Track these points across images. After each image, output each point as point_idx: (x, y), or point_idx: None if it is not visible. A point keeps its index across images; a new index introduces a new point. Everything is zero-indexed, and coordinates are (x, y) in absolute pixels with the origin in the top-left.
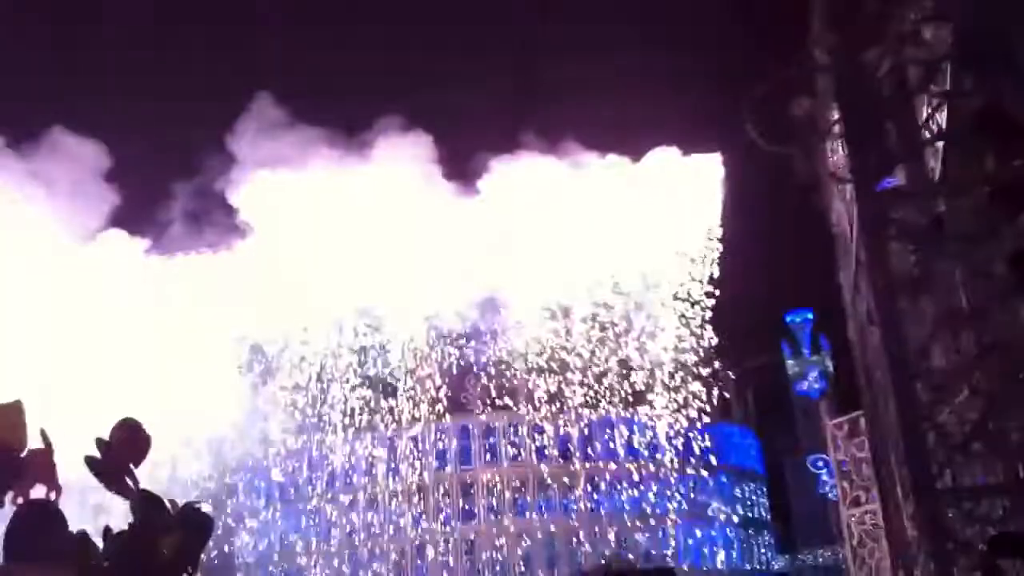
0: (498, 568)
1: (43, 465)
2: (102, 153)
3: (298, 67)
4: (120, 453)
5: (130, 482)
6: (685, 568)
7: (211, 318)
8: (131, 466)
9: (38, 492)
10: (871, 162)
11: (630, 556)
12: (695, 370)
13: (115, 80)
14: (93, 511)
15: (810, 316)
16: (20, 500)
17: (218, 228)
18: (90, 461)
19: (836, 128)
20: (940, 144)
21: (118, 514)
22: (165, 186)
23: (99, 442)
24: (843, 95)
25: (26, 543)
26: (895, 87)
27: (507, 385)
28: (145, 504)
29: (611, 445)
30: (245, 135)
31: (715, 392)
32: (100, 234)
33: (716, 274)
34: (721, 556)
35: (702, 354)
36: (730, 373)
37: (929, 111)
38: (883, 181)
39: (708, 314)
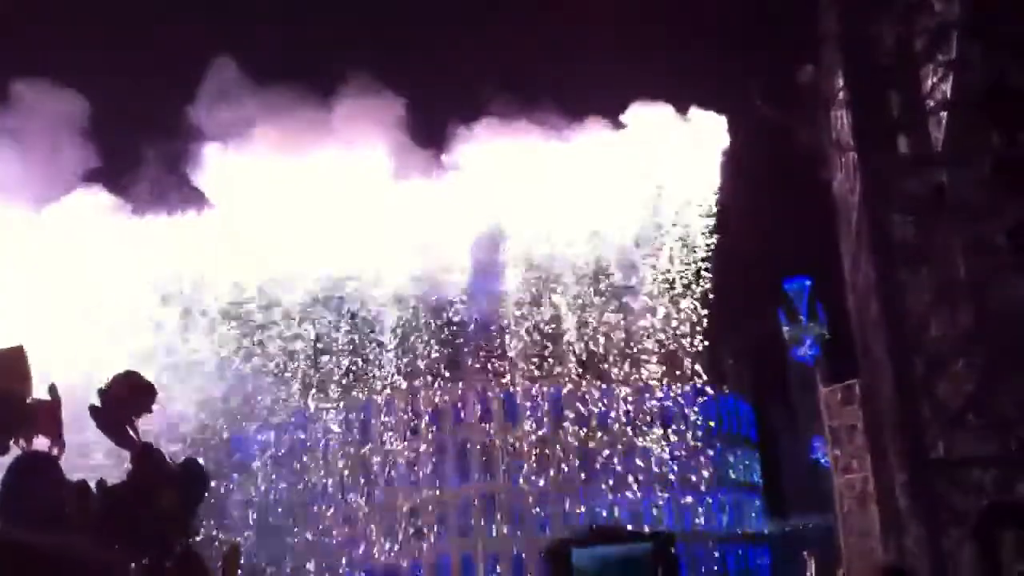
0: (504, 524)
1: (48, 417)
2: (77, 108)
3: (267, 32)
4: (121, 405)
5: (132, 433)
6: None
7: (185, 278)
8: (132, 418)
9: (41, 444)
10: (874, 131)
11: (619, 522)
12: (689, 337)
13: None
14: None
15: (808, 284)
16: (24, 444)
17: (186, 192)
18: (94, 411)
19: (841, 96)
20: (944, 114)
21: (109, 471)
22: (137, 146)
23: (101, 393)
24: (849, 63)
25: (18, 500)
26: (901, 56)
27: (496, 351)
28: (145, 456)
29: (604, 412)
30: (207, 100)
31: (708, 360)
32: (73, 192)
33: (713, 239)
34: (711, 521)
35: (697, 321)
36: (725, 341)
37: (935, 80)
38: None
39: (704, 282)
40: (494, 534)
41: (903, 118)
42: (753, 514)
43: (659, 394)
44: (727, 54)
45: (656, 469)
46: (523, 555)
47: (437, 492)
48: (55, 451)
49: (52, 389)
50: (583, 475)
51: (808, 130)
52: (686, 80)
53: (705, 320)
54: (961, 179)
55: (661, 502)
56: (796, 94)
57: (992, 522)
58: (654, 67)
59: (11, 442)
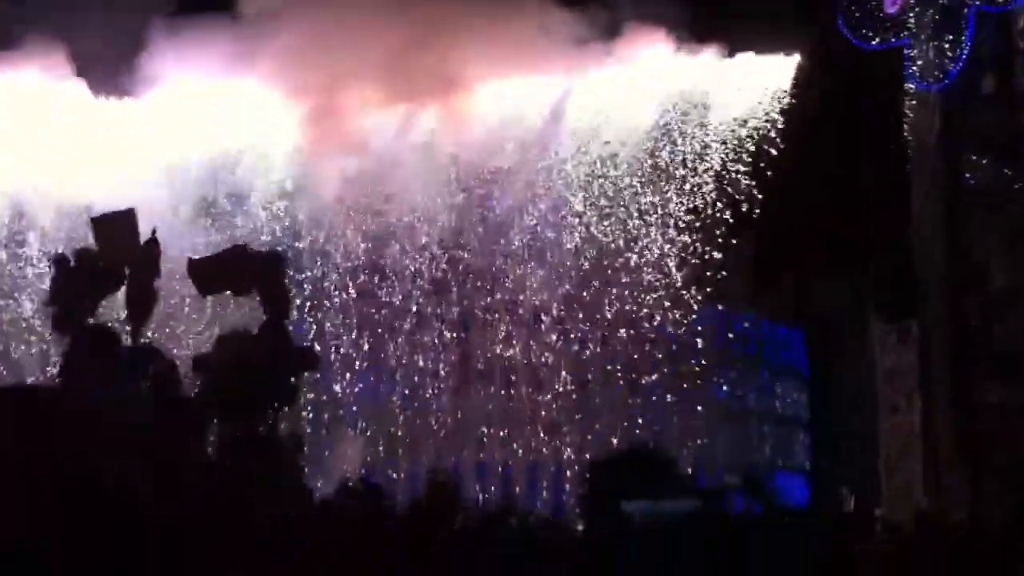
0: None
1: (149, 286)
2: None
3: None
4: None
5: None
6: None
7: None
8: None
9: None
10: (959, 68)
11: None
12: (742, 263)
13: None
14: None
15: None
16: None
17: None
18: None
19: (929, 29)
20: None
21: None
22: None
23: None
24: None
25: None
26: None
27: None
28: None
29: (647, 334)
30: None
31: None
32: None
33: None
34: (753, 453)
35: (749, 250)
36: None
37: None
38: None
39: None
40: (531, 444)
41: (989, 57)
42: (796, 447)
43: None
44: None
45: (701, 397)
46: (564, 469)
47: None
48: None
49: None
50: (627, 398)
51: (892, 62)
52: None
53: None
54: None
55: (704, 431)
56: (884, 25)
57: None
58: None
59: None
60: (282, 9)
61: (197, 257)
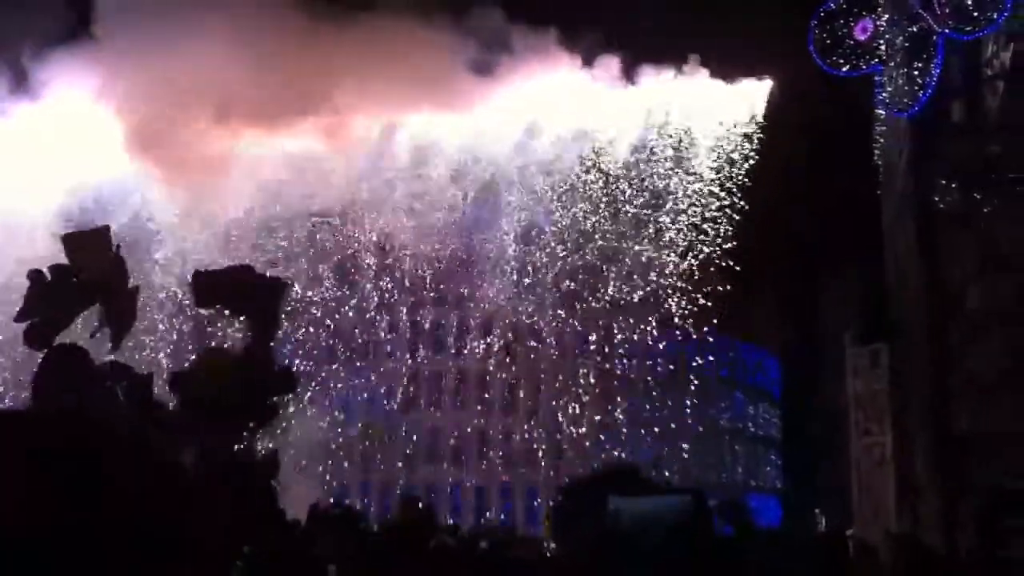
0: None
1: (128, 299)
2: None
3: None
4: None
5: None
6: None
7: None
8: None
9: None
10: (929, 95)
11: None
12: (721, 284)
13: None
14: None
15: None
16: (96, 322)
17: None
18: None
19: (899, 57)
20: (1001, 83)
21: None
22: None
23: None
24: (909, 23)
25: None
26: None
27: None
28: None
29: (625, 350)
30: None
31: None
32: None
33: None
34: (725, 473)
35: (727, 267)
36: (754, 293)
37: (994, 48)
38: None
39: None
40: (506, 467)
41: (958, 85)
42: (768, 468)
43: (680, 340)
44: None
45: (675, 418)
46: (536, 490)
47: (452, 419)
48: (119, 329)
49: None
50: (598, 417)
51: (863, 88)
52: (731, 39)
53: (735, 271)
54: (1014, 148)
55: (678, 450)
56: (854, 51)
57: (997, 507)
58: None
59: (84, 313)
60: (156, 38)
61: (203, 269)
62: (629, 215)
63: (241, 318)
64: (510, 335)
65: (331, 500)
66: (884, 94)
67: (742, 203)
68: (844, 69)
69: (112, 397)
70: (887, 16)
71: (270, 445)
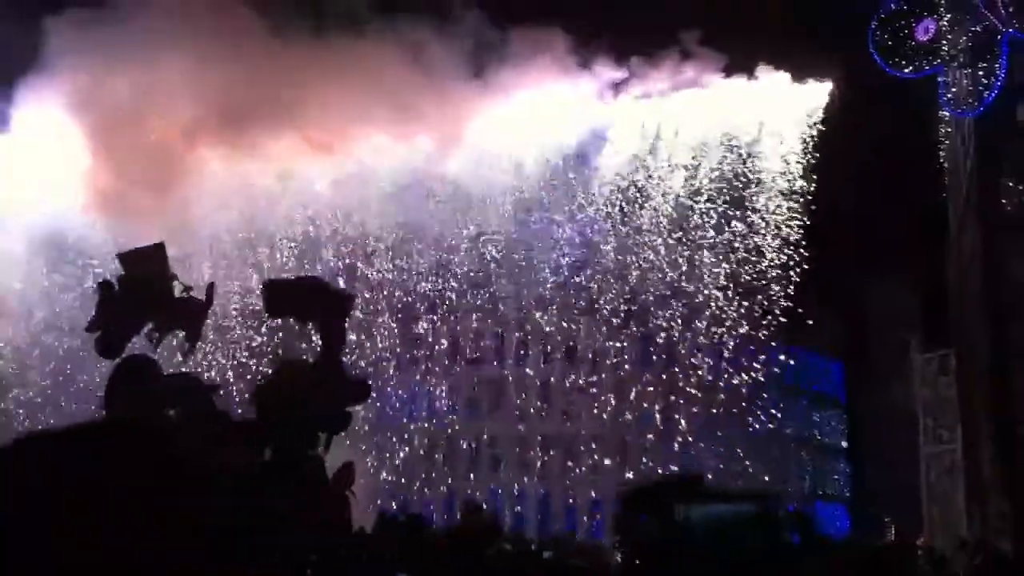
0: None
1: (192, 314)
2: None
3: None
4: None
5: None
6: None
7: None
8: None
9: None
10: (994, 96)
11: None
12: (782, 290)
13: None
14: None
15: None
16: (157, 336)
17: None
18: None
19: (962, 57)
20: None
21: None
22: None
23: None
24: (972, 22)
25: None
26: None
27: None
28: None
29: (685, 360)
30: None
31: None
32: None
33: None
34: (792, 481)
35: (790, 275)
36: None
37: None
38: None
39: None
40: (571, 474)
41: None
42: (836, 476)
43: (743, 346)
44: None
45: (739, 426)
46: (599, 498)
47: (520, 427)
48: (186, 346)
49: (210, 289)
50: (661, 427)
51: (924, 90)
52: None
53: (795, 275)
54: None
55: (742, 459)
56: (916, 52)
57: None
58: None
59: (142, 330)
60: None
61: (274, 279)
62: (691, 222)
63: (310, 327)
64: (572, 342)
65: (395, 508)
66: (948, 95)
67: (803, 207)
68: (907, 70)
69: (182, 407)
70: (949, 16)
71: (344, 455)
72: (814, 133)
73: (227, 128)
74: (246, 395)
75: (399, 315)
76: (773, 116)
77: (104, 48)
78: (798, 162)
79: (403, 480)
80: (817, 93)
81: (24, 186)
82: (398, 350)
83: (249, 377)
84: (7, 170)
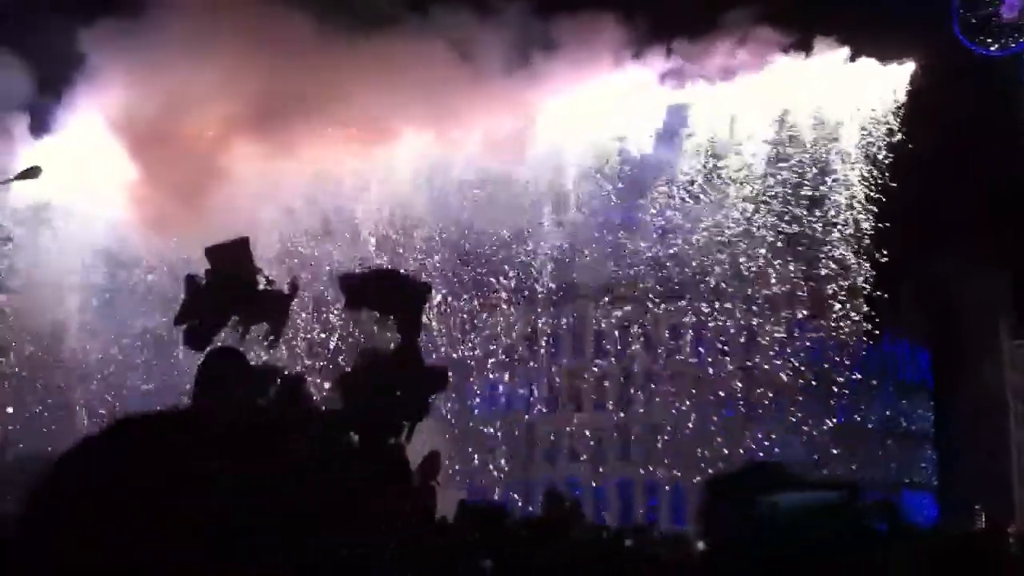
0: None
1: (276, 306)
2: None
3: None
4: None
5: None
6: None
7: None
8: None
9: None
10: None
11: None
12: (866, 277)
13: None
14: None
15: None
16: (242, 328)
17: None
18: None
19: None
20: None
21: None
22: None
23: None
24: None
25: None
26: None
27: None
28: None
29: (768, 350)
30: None
31: (884, 300)
32: None
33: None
34: (878, 468)
35: (873, 263)
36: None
37: None
38: None
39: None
40: (651, 463)
41: None
42: (923, 464)
43: (828, 334)
44: None
45: (824, 414)
46: (681, 487)
47: (600, 417)
48: (272, 337)
49: (294, 281)
50: (744, 411)
51: (1008, 67)
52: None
53: (883, 261)
54: None
55: (828, 447)
56: (998, 30)
57: None
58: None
59: (228, 323)
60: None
61: (352, 272)
62: (773, 209)
63: (390, 319)
64: (650, 332)
65: (475, 497)
66: None
67: (887, 192)
68: (992, 49)
69: (270, 396)
70: None
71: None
72: (899, 116)
73: (266, 128)
74: (328, 384)
75: (478, 306)
76: (857, 100)
77: (146, 54)
78: (884, 146)
79: (485, 470)
80: (900, 75)
81: (72, 189)
82: (478, 340)
83: (327, 367)
84: (54, 174)
